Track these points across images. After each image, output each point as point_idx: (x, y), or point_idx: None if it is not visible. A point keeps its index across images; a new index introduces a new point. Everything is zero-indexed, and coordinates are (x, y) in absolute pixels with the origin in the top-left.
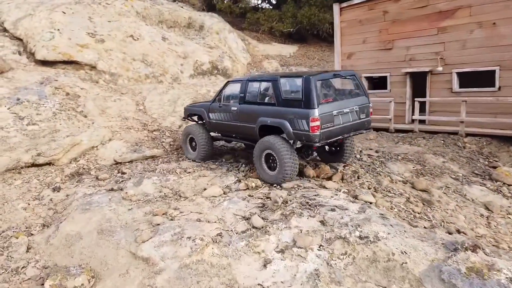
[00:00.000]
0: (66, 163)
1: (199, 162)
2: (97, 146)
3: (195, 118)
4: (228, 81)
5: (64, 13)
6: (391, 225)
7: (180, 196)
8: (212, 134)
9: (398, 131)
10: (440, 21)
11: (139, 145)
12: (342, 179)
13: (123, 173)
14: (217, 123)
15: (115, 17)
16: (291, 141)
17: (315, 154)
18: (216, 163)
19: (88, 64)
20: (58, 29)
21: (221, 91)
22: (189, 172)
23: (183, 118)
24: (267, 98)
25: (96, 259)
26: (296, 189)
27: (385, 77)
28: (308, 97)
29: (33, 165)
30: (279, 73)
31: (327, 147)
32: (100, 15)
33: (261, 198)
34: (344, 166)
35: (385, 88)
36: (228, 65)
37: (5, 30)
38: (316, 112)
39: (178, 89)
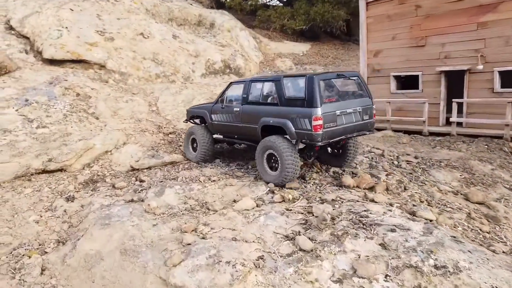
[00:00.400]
0: (79, 169)
1: (223, 169)
2: (111, 151)
3: (197, 120)
4: (231, 82)
5: (72, 10)
6: (469, 251)
7: (208, 209)
8: (214, 136)
9: (432, 134)
10: (480, 16)
11: (156, 149)
12: (387, 189)
13: (142, 181)
14: (220, 124)
15: (124, 15)
16: (294, 142)
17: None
18: (242, 170)
19: (97, 63)
20: (66, 27)
21: (223, 92)
22: (213, 181)
23: (185, 120)
24: (269, 99)
25: (121, 285)
26: (340, 202)
27: (416, 76)
28: (311, 96)
29: (44, 171)
30: (282, 74)
31: (329, 149)
32: (108, 12)
33: (302, 213)
34: (386, 175)
35: (416, 87)
36: (241, 64)
37: (11, 28)
38: (319, 111)
39: (192, 89)
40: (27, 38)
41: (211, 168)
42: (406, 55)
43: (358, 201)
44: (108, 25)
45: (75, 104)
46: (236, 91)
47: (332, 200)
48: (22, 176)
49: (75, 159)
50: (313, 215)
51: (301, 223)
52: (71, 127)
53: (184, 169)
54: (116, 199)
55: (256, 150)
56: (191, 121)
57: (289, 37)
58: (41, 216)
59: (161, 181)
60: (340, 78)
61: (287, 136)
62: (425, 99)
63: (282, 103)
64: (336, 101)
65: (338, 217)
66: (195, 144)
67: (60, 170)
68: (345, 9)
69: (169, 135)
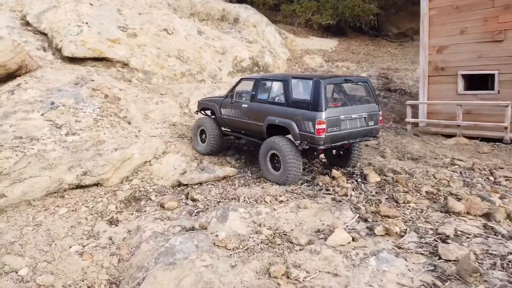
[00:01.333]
0: (117, 183)
1: (282, 184)
2: (150, 161)
3: (208, 112)
4: (242, 78)
5: (92, 5)
6: None
7: (292, 242)
8: (223, 129)
9: None
10: None
11: (200, 159)
12: (509, 217)
13: (194, 200)
14: (228, 119)
15: (145, 9)
16: (297, 143)
17: (321, 156)
18: (310, 187)
19: (120, 61)
20: (86, 23)
21: (234, 87)
22: (282, 201)
23: (196, 111)
24: (277, 98)
25: None
26: (463, 237)
27: (490, 75)
28: (316, 99)
29: (78, 186)
30: (291, 74)
31: (334, 151)
32: (129, 7)
33: (422, 254)
34: (500, 198)
35: (489, 88)
36: (269, 62)
37: (27, 23)
38: (323, 115)
39: (225, 88)
40: (45, 34)
41: (273, 185)
42: (479, 51)
43: (483, 234)
44: (129, 21)
45: (105, 107)
46: (246, 88)
47: (455, 235)
48: (54, 192)
49: (112, 171)
50: (440, 258)
51: (429, 270)
52: (104, 133)
53: (241, 185)
54: (170, 224)
55: (260, 149)
56: (202, 112)
57: (315, 32)
58: (84, 246)
59: (219, 201)
60: (348, 83)
61: (291, 137)
62: (507, 102)
63: (289, 104)
64: (341, 106)
65: (481, 264)
66: (203, 136)
67: (96, 184)
68: (376, 2)
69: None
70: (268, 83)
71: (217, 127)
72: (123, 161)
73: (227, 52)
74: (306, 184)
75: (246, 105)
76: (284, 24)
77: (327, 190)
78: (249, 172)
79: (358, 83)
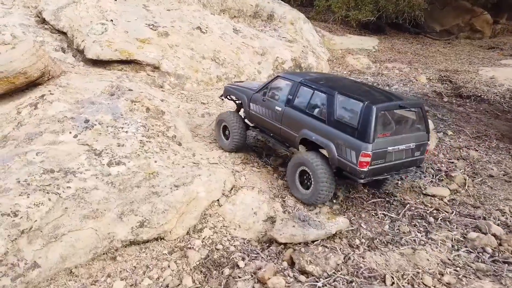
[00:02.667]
0: (182, 236)
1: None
2: (218, 200)
3: (234, 98)
4: (278, 76)
5: (115, 0)
6: None
7: None
8: (249, 123)
9: None
10: None
11: (283, 196)
12: None
13: (304, 272)
14: (257, 117)
15: (174, 5)
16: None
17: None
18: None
19: (150, 64)
20: (111, 20)
21: (268, 83)
22: (449, 284)
23: (221, 97)
24: (317, 111)
25: None
26: None
27: None
28: (365, 128)
29: (134, 243)
30: (338, 86)
31: None
32: (156, 2)
33: None
34: None
35: None
36: (313, 63)
37: (44, 21)
38: (369, 148)
39: None
40: (64, 33)
41: (415, 250)
42: None
43: None
44: (158, 18)
45: (150, 125)
46: (282, 88)
47: None
48: (103, 254)
49: (175, 219)
50: None
51: None
52: (155, 161)
53: (364, 245)
54: None
55: (288, 163)
56: (228, 98)
57: (351, 30)
58: None
59: (351, 281)
60: (402, 108)
61: (324, 152)
62: None
63: (330, 122)
64: (390, 136)
65: None
66: (227, 132)
67: (157, 239)
68: None
69: (279, 167)
70: (309, 91)
71: (240, 123)
72: (188, 203)
73: (267, 52)
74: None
75: (280, 108)
76: (318, 21)
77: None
78: (354, 213)
79: (412, 109)
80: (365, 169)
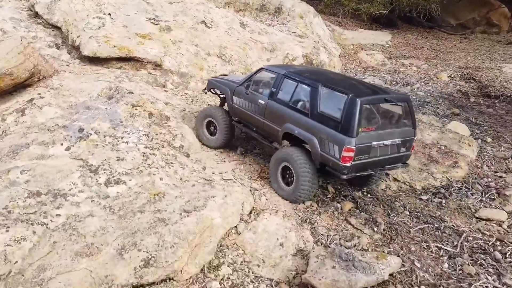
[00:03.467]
0: (195, 275)
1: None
2: (236, 227)
3: (217, 91)
4: (262, 68)
5: None
6: None
7: None
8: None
9: None
10: None
11: (308, 218)
12: None
13: None
14: (239, 110)
15: None
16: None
17: None
18: None
19: (151, 62)
20: (109, 14)
21: (251, 76)
22: None
23: (204, 90)
24: (300, 104)
25: None
26: None
27: None
28: (348, 121)
29: (137, 287)
30: (323, 78)
31: None
32: None
33: None
34: None
35: None
36: (325, 60)
37: (36, 15)
38: (353, 142)
39: None
40: (58, 28)
41: None
42: None
43: None
44: (160, 11)
45: (153, 133)
46: (265, 81)
47: None
48: None
49: (187, 254)
50: None
51: None
52: (160, 178)
53: None
54: None
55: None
56: (211, 91)
57: (362, 24)
58: None
59: None
60: (387, 103)
61: (308, 147)
62: None
63: (314, 116)
64: (375, 130)
65: None
66: (212, 128)
67: (165, 280)
68: None
69: None
70: (293, 84)
71: (228, 118)
72: (201, 233)
73: (276, 49)
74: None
75: (263, 102)
76: (327, 14)
77: None
78: (400, 246)
79: (398, 104)
80: (348, 164)
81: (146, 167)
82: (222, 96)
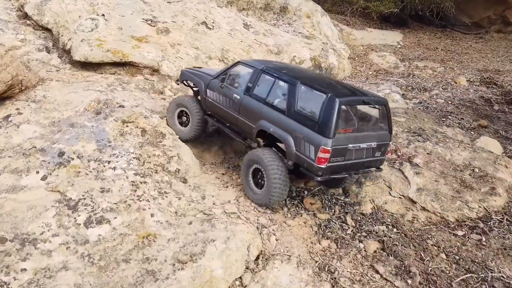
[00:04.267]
0: None
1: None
2: (241, 278)
3: (191, 84)
4: (239, 62)
5: None
6: None
7: None
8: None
9: None
10: None
11: (331, 270)
12: None
13: None
14: (213, 104)
15: None
16: (289, 163)
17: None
18: None
19: (148, 66)
20: (103, 14)
21: (227, 69)
22: None
23: (177, 81)
24: (277, 101)
25: None
26: None
27: None
28: (326, 121)
29: None
30: (301, 76)
31: None
32: None
33: None
34: None
35: None
36: (334, 62)
37: (26, 16)
38: (329, 143)
39: None
40: (49, 30)
41: None
42: None
43: None
44: (157, 12)
45: (146, 156)
46: (242, 75)
47: None
48: None
49: None
50: None
51: None
52: (151, 215)
53: None
54: None
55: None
56: (184, 83)
57: (371, 23)
58: None
59: None
60: (366, 104)
61: (282, 146)
62: None
63: (290, 114)
64: (352, 133)
65: None
66: (184, 118)
67: None
68: None
69: (316, 213)
70: (270, 79)
71: (202, 110)
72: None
73: (282, 51)
74: None
75: (238, 96)
76: (334, 13)
77: None
78: None
79: (376, 106)
80: (323, 166)
81: (135, 199)
82: (195, 89)
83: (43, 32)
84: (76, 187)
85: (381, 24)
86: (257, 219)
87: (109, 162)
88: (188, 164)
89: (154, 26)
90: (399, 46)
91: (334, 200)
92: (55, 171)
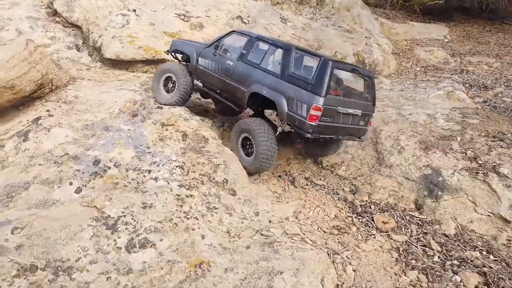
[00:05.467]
0: None
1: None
2: None
3: (179, 56)
4: (234, 31)
5: None
6: None
7: None
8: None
9: None
10: None
11: None
12: None
13: None
14: (205, 72)
15: None
16: (280, 125)
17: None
18: None
19: None
20: (134, 10)
21: (221, 38)
22: None
23: (167, 51)
24: (271, 66)
25: None
26: None
27: None
28: (319, 81)
29: None
30: (294, 44)
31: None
32: None
33: None
34: None
35: None
36: (379, 58)
37: (55, 13)
38: (321, 101)
39: None
40: (78, 27)
41: None
42: None
43: None
44: (190, 6)
45: (189, 164)
46: (236, 43)
47: None
48: None
49: None
50: None
51: None
52: (202, 236)
53: None
54: None
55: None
56: (172, 54)
57: (413, 16)
58: None
59: None
60: (354, 72)
61: (275, 114)
62: None
63: (284, 77)
64: (341, 96)
65: None
66: (170, 84)
67: None
68: None
69: (395, 233)
70: (265, 46)
71: (189, 77)
72: None
73: (323, 46)
74: None
75: (231, 63)
76: (372, 6)
77: None
78: None
79: (363, 76)
80: (314, 123)
81: (182, 217)
82: (183, 62)
83: (72, 29)
84: (114, 201)
85: (423, 17)
86: (325, 242)
87: (149, 171)
88: (236, 173)
89: (187, 21)
90: (446, 40)
91: (408, 217)
92: (90, 182)
